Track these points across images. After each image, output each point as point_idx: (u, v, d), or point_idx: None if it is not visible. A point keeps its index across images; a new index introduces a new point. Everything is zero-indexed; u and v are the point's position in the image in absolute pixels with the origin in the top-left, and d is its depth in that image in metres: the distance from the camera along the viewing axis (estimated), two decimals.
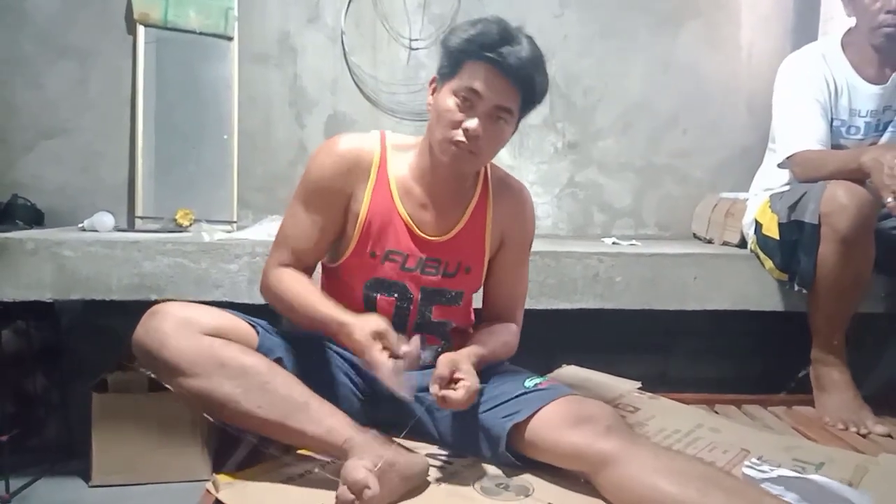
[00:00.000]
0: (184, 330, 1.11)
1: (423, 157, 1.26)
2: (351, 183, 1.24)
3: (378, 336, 1.09)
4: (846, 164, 1.61)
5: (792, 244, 1.69)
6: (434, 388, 1.12)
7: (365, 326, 1.10)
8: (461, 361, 1.16)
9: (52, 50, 2.13)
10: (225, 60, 2.20)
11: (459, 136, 1.15)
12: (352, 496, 0.99)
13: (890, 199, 1.45)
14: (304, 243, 1.25)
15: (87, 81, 2.16)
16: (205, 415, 1.21)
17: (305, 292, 1.22)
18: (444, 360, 1.15)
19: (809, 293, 1.69)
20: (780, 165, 1.82)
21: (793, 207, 1.67)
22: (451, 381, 1.14)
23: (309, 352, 1.26)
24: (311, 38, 2.30)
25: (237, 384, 1.10)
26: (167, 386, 1.14)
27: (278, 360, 1.18)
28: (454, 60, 1.16)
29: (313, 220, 1.24)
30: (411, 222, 1.25)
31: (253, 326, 1.21)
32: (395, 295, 1.27)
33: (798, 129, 1.76)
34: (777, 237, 1.74)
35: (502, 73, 1.13)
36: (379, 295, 1.27)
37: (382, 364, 1.06)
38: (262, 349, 1.18)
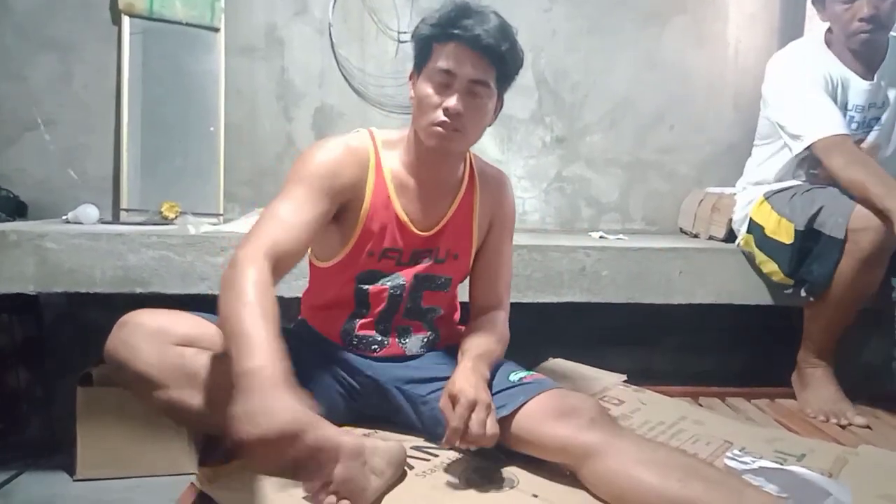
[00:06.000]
0: (154, 341, 1.09)
1: (410, 151, 1.27)
2: (354, 176, 1.21)
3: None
4: (879, 199, 1.49)
5: (806, 251, 1.66)
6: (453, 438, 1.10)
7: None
8: (475, 393, 1.12)
9: (35, 41, 2.10)
10: (211, 52, 2.18)
11: (441, 117, 1.16)
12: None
13: None
14: (299, 230, 1.11)
15: (72, 73, 2.14)
16: (179, 425, 1.19)
17: (261, 310, 0.98)
18: (460, 408, 1.10)
19: (813, 302, 1.68)
20: (797, 155, 1.73)
21: (813, 218, 1.63)
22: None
23: (289, 351, 1.25)
24: (299, 30, 2.29)
25: (209, 394, 1.09)
26: (140, 398, 1.12)
27: None
28: (424, 47, 1.19)
29: (316, 205, 1.13)
30: (406, 219, 1.26)
31: None
32: (388, 284, 1.28)
33: (816, 116, 1.69)
34: (787, 242, 1.69)
35: (469, 47, 1.14)
36: (371, 286, 1.27)
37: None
38: None
